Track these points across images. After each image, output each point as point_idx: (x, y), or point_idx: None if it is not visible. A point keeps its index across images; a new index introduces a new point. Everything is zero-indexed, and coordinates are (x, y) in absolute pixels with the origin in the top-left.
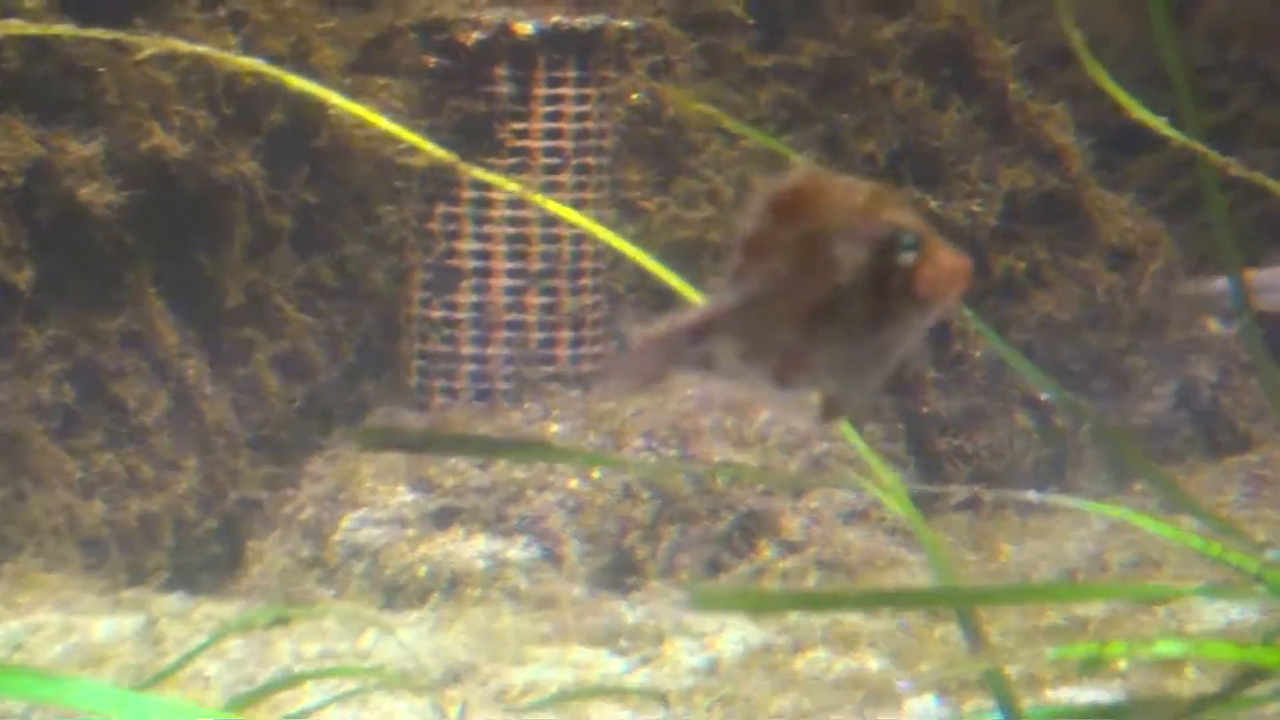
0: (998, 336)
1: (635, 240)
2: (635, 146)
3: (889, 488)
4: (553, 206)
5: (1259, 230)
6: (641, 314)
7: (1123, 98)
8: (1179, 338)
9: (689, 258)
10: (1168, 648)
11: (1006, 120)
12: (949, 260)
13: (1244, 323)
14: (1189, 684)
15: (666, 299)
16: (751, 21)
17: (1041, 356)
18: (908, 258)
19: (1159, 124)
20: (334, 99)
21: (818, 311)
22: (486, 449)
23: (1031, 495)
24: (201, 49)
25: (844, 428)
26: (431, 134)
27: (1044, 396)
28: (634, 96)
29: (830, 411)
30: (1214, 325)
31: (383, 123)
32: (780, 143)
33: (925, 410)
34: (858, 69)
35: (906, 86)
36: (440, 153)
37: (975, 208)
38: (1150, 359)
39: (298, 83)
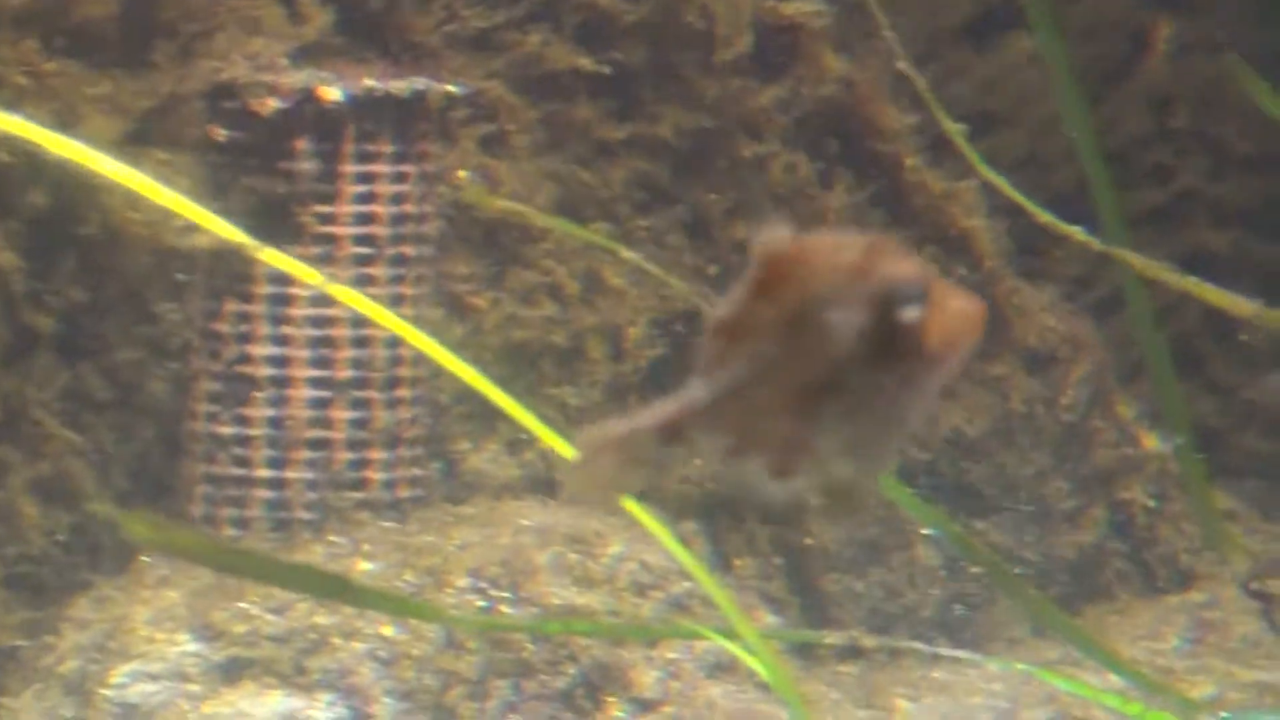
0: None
1: (463, 344)
2: (463, 233)
3: (752, 636)
4: (364, 304)
5: (1203, 329)
6: (472, 430)
7: (1019, 198)
8: (1110, 455)
9: (527, 363)
10: None
11: (904, 201)
12: (959, 307)
13: (1178, 440)
14: None
15: (501, 414)
16: (606, 72)
17: (947, 479)
18: (912, 313)
19: (1064, 227)
20: (105, 169)
21: (815, 390)
22: (286, 579)
23: (919, 646)
24: None
25: (699, 570)
26: (221, 218)
27: (926, 532)
28: (461, 174)
29: (837, 500)
30: (1151, 440)
31: (164, 197)
32: (639, 228)
33: (809, 542)
34: (728, 141)
35: (785, 162)
36: (233, 235)
37: None
38: (1075, 481)
39: (65, 148)
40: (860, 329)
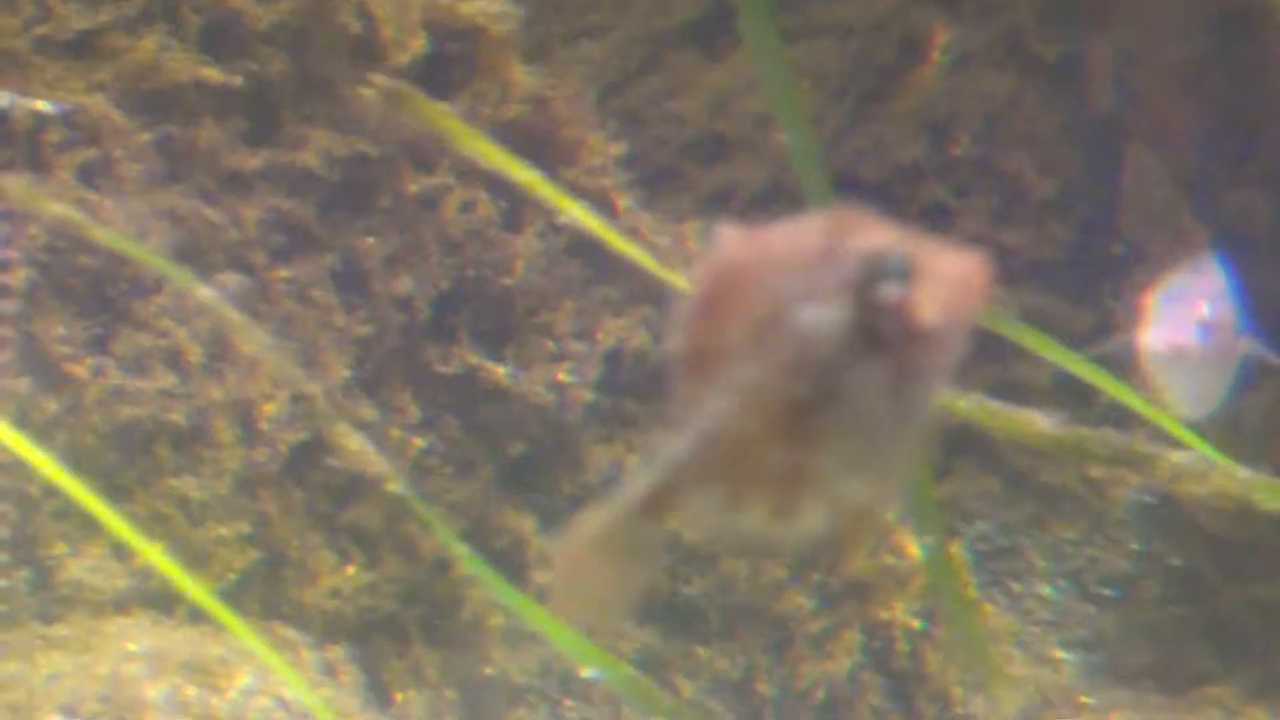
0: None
1: (56, 423)
2: (59, 285)
3: None
4: None
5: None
6: (69, 531)
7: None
8: (865, 565)
9: (139, 446)
10: None
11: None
12: (951, 269)
13: (928, 540)
14: None
15: (111, 501)
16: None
17: (659, 595)
18: (896, 290)
19: None
20: None
21: (805, 405)
22: None
23: None
24: None
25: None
26: None
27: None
28: (56, 209)
29: (860, 521)
30: (918, 547)
31: None
32: (278, 279)
33: (489, 672)
34: (389, 172)
35: (462, 198)
36: None
37: (562, 376)
38: (823, 598)
39: None
40: (840, 322)
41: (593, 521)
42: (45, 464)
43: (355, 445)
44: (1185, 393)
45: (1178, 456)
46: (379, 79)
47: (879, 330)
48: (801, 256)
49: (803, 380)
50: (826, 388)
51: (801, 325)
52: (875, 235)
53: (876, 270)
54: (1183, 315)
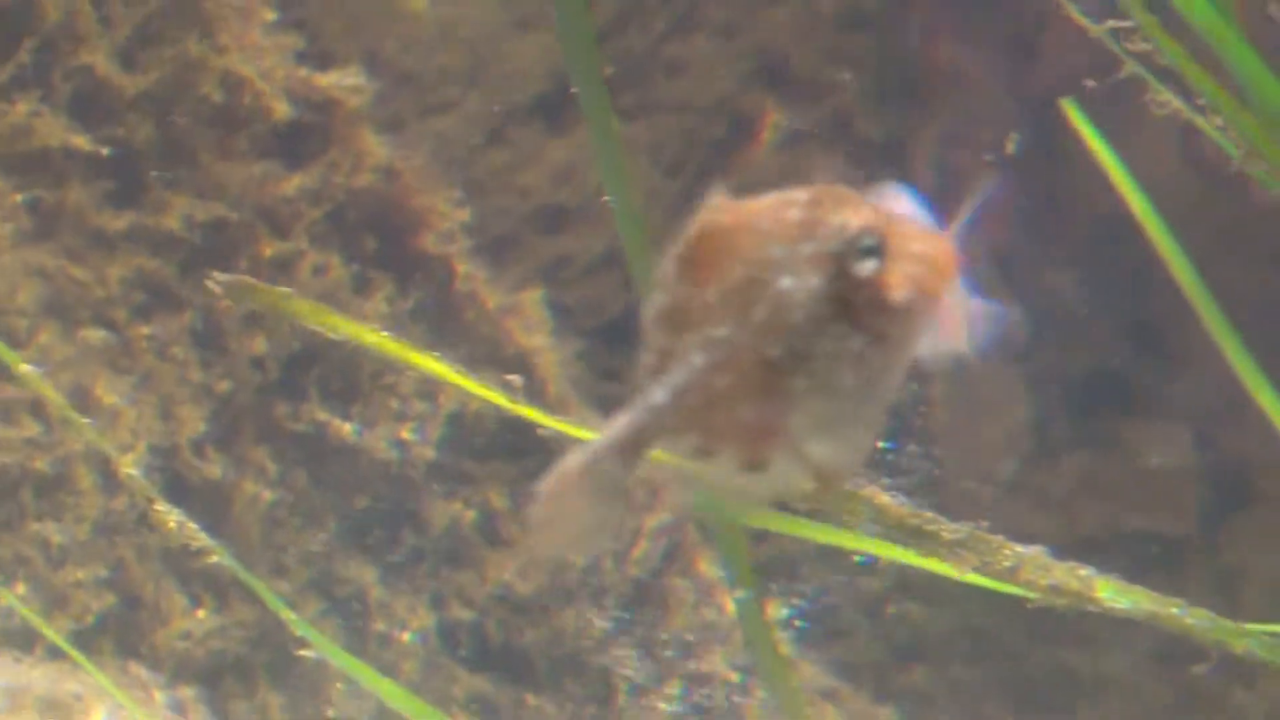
0: None
1: None
2: None
3: None
4: None
5: None
6: None
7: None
8: (689, 619)
9: (5, 492)
10: None
11: (455, 314)
12: (922, 249)
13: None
14: None
15: None
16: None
17: (493, 643)
18: (870, 265)
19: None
20: None
21: (778, 366)
22: None
23: None
24: None
25: None
26: None
27: None
28: None
29: (826, 481)
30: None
31: None
32: (139, 336)
33: (331, 715)
34: (247, 236)
35: (315, 263)
36: None
37: (406, 434)
38: (646, 649)
39: None
40: (816, 292)
41: (574, 459)
42: None
43: (173, 524)
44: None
45: (1021, 547)
46: (219, 276)
47: (852, 302)
48: (784, 227)
49: (777, 343)
50: (799, 351)
51: (779, 292)
52: (854, 213)
53: (853, 246)
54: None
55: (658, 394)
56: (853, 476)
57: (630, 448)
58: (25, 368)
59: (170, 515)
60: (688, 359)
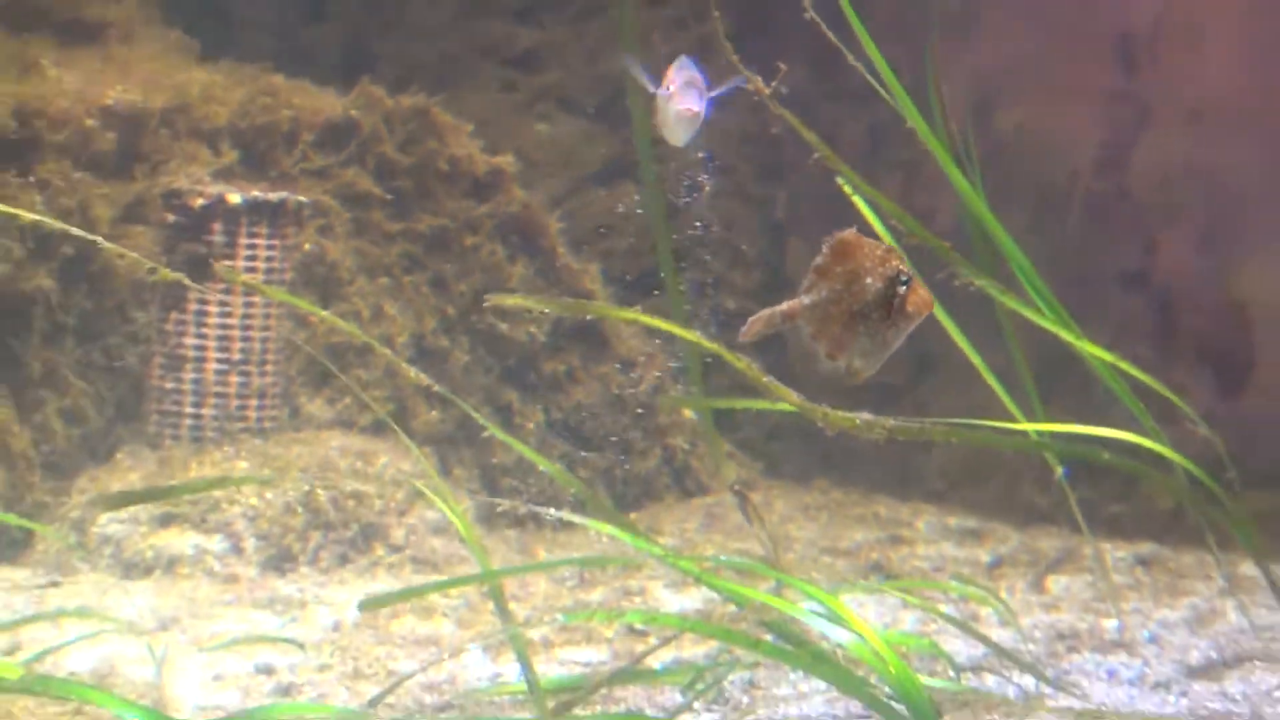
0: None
1: (304, 341)
2: (307, 279)
3: (458, 511)
4: (259, 304)
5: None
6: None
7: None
8: (664, 421)
9: (339, 356)
10: (634, 618)
11: (556, 274)
12: (924, 293)
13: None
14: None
15: (328, 377)
16: (389, 198)
17: (574, 430)
18: (903, 289)
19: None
20: (102, 242)
21: (853, 316)
22: (163, 494)
23: (551, 512)
24: (11, 210)
25: (429, 469)
26: (170, 266)
27: (542, 468)
28: (306, 246)
29: (855, 374)
30: (689, 413)
31: (136, 256)
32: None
33: (494, 461)
34: (458, 235)
35: (489, 249)
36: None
37: (531, 329)
38: (645, 433)
39: (79, 231)
40: (878, 291)
41: (765, 312)
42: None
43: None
44: (686, 133)
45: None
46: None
47: (890, 302)
48: (873, 257)
49: (857, 305)
50: (863, 314)
51: (864, 284)
52: (902, 263)
53: (898, 277)
54: (692, 93)
55: (805, 300)
56: (867, 376)
57: (788, 315)
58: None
59: None
60: (820, 290)
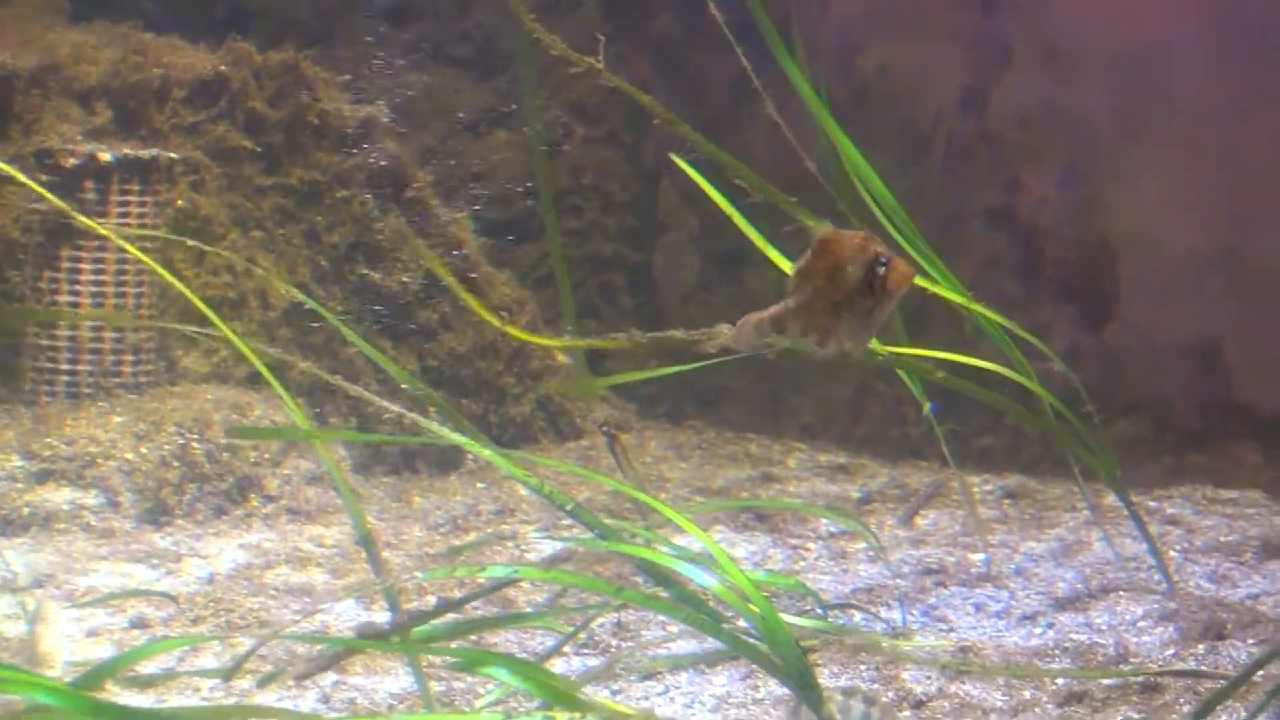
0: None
1: (178, 294)
2: (180, 234)
3: (330, 462)
4: (137, 261)
5: (600, 296)
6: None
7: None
8: (537, 366)
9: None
10: (495, 571)
11: (427, 223)
12: (904, 268)
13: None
14: (524, 595)
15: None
16: (259, 152)
17: (448, 377)
18: (883, 269)
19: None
20: None
21: (840, 304)
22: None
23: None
24: None
25: (302, 419)
26: (44, 224)
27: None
28: (179, 203)
29: (841, 356)
30: (563, 358)
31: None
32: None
33: (371, 409)
34: (329, 187)
35: (361, 199)
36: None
37: (405, 279)
38: (519, 378)
39: None
40: (860, 277)
41: (753, 318)
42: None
43: None
44: None
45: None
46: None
47: (871, 283)
48: (853, 248)
49: (841, 295)
50: (848, 301)
51: (847, 272)
52: (880, 247)
53: (877, 260)
54: None
55: (791, 301)
56: (856, 358)
57: (775, 320)
58: None
59: None
60: (805, 291)
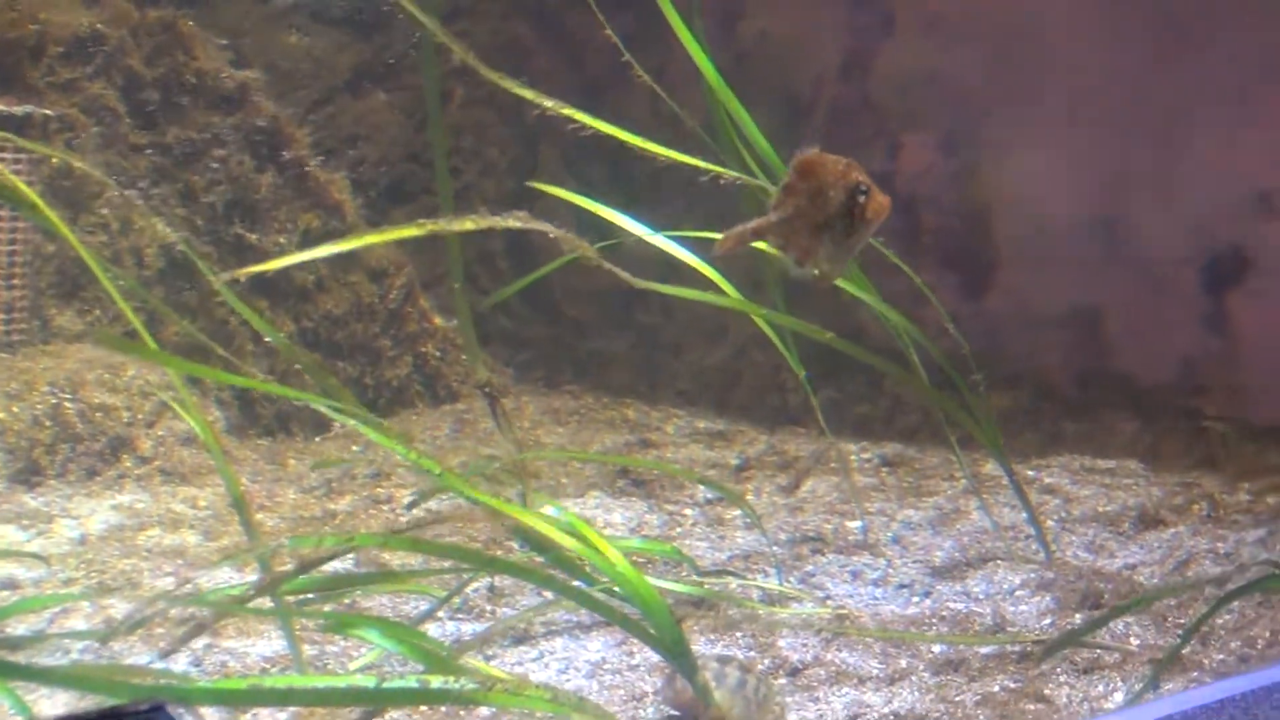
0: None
1: (52, 255)
2: (55, 192)
3: (202, 424)
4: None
5: (478, 261)
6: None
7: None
8: (414, 329)
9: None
10: (365, 541)
11: (304, 184)
12: (882, 199)
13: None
14: (398, 558)
15: (78, 289)
16: (136, 111)
17: (324, 339)
18: (863, 198)
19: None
20: None
21: (820, 226)
22: None
23: (324, 408)
24: None
25: (176, 380)
26: None
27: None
28: (54, 160)
29: (823, 278)
30: (439, 320)
31: None
32: (154, 197)
33: (246, 370)
34: (206, 147)
35: (237, 159)
36: None
37: (281, 240)
38: (396, 341)
39: None
40: (841, 201)
41: (737, 228)
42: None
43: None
44: None
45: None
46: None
47: (851, 210)
48: (835, 172)
49: (822, 216)
50: (828, 223)
51: (828, 196)
52: (862, 174)
53: (858, 188)
54: None
55: (773, 216)
56: (834, 280)
57: (757, 231)
58: None
59: None
60: (787, 207)
